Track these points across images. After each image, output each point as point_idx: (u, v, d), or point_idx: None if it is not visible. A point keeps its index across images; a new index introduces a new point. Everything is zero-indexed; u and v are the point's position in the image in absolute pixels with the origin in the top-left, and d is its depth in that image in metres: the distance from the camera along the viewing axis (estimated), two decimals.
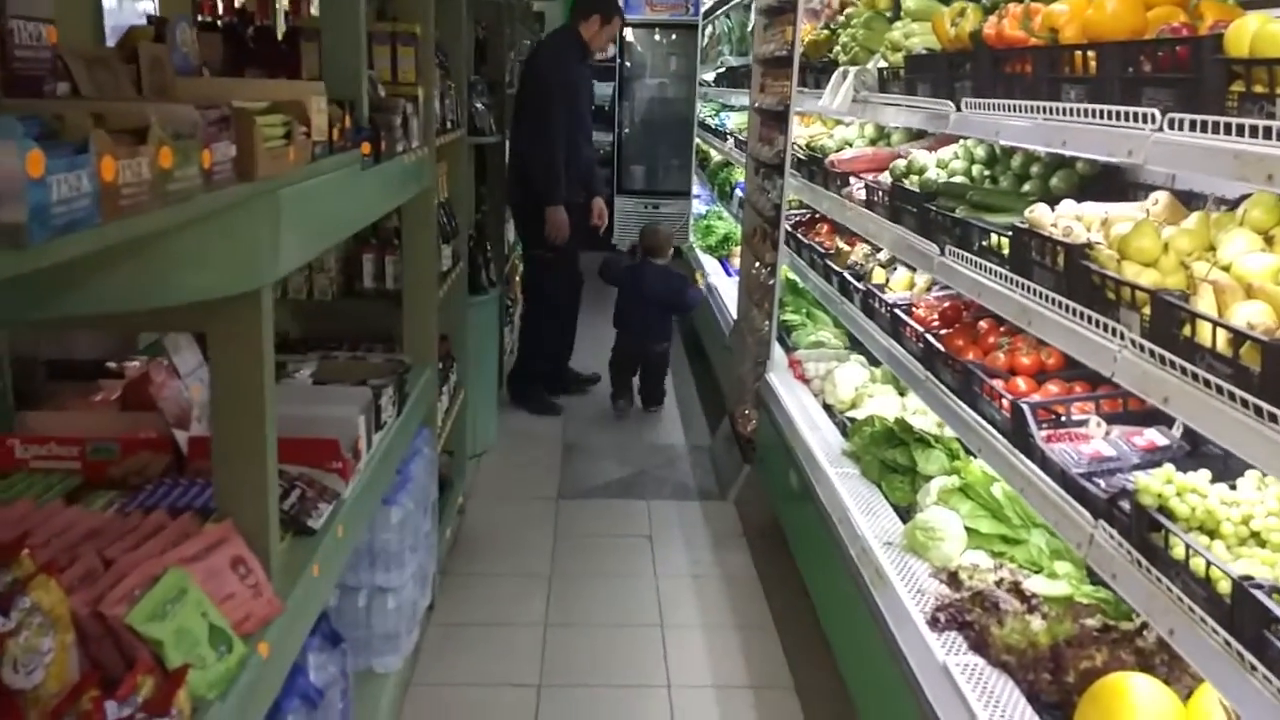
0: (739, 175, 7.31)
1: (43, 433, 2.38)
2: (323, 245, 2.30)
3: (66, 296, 1.52)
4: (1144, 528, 1.90)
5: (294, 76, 2.82)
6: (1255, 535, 1.86)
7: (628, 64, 11.48)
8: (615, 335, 6.46)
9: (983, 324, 3.09)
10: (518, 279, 7.82)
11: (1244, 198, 2.13)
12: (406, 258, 3.56)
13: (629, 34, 11.30)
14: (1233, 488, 1.95)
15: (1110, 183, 2.96)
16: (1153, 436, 2.31)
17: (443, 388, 3.93)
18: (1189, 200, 2.53)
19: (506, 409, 6.17)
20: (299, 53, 2.90)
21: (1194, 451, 2.23)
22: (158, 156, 1.24)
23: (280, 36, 3.24)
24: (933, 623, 2.57)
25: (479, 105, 5.07)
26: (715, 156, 9.01)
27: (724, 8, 8.71)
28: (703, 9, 10.60)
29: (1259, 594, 1.61)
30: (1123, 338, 2.00)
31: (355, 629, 2.99)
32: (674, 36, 11.54)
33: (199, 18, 3.52)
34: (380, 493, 2.83)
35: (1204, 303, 1.84)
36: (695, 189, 10.32)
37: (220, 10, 3.70)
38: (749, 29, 6.67)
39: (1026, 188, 3.07)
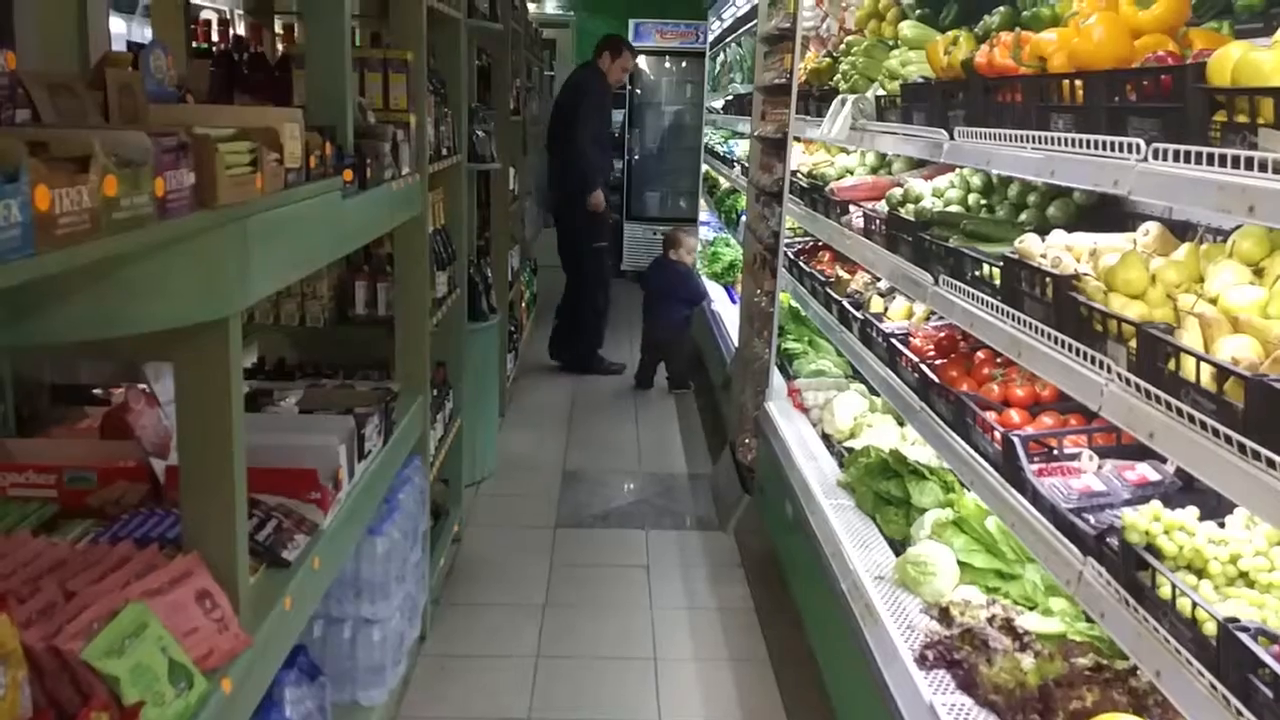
0: (745, 202, 7.30)
1: (24, 460, 2.36)
2: (298, 274, 2.28)
3: (21, 325, 1.50)
4: (1131, 566, 1.86)
5: (285, 103, 2.80)
6: (1244, 575, 1.81)
7: (638, 91, 11.51)
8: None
9: (979, 354, 3.04)
10: (524, 304, 7.84)
11: (1237, 228, 2.09)
12: (398, 284, 3.54)
13: (640, 61, 11.36)
14: (1221, 525, 1.90)
15: (1108, 213, 2.92)
16: (1145, 471, 2.26)
17: (437, 415, 3.90)
18: (1185, 231, 2.49)
19: (507, 436, 6.14)
20: (292, 79, 2.90)
21: (1187, 487, 2.18)
22: (101, 185, 1.22)
23: (276, 63, 3.24)
24: (921, 660, 2.51)
25: (480, 132, 5.06)
26: (723, 184, 9.00)
27: (732, 36, 8.72)
28: (710, 37, 10.63)
29: (1244, 636, 1.56)
30: (1110, 371, 1.96)
31: (340, 661, 2.95)
32: (684, 64, 11.58)
33: (194, 44, 3.51)
34: (364, 523, 2.80)
35: (1190, 336, 1.80)
36: (703, 215, 10.31)
37: (216, 37, 3.69)
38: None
39: (1023, 217, 3.04)
